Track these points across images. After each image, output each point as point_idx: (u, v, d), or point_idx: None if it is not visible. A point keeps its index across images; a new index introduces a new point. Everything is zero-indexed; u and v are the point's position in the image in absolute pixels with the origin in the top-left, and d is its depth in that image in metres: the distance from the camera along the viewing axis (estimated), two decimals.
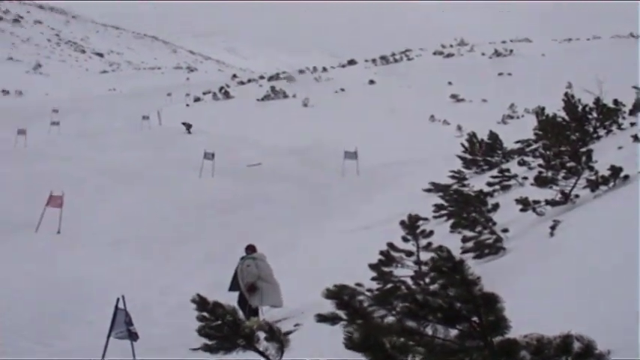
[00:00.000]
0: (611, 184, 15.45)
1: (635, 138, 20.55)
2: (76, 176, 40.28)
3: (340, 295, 5.47)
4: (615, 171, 15.39)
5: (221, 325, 4.92)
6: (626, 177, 15.31)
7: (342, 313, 5.41)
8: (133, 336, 13.30)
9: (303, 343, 7.42)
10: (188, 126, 69.53)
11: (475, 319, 4.46)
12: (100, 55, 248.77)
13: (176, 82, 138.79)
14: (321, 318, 5.72)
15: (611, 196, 14.82)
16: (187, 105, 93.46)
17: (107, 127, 72.16)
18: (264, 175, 44.84)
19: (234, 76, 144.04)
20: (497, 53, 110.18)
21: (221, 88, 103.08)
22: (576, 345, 4.65)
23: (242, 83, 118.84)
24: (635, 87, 35.76)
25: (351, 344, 4.33)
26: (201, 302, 4.93)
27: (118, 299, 13.18)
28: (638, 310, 6.70)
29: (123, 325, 13.16)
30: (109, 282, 21.36)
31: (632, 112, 31.36)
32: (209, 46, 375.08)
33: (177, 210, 33.65)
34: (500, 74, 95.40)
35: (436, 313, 4.55)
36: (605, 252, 9.85)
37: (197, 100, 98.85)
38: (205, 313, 4.94)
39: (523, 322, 4.75)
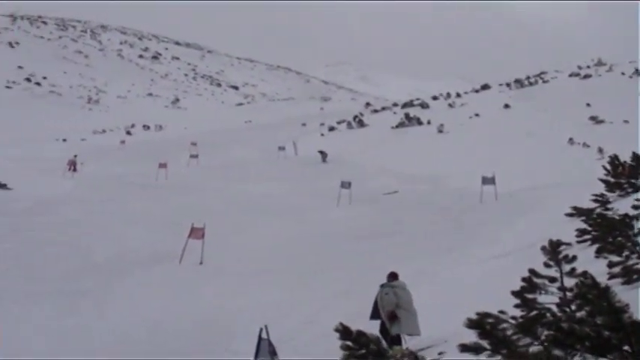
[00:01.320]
0: None
1: None
2: (215, 208, 41.33)
3: (482, 324, 5.48)
4: None
5: (365, 354, 4.97)
6: None
7: (485, 343, 5.41)
8: None
9: None
10: (324, 155, 70.18)
11: (627, 348, 4.39)
12: (235, 87, 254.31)
13: (310, 111, 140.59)
14: (464, 348, 5.73)
15: None
16: (322, 135, 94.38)
17: (244, 158, 73.61)
18: (402, 202, 44.81)
19: (368, 104, 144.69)
20: (638, 72, 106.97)
21: (355, 117, 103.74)
22: None
23: (376, 111, 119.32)
24: None
25: None
26: (344, 331, 4.99)
27: (261, 329, 13.31)
28: None
29: (267, 355, 13.27)
30: (250, 312, 21.78)
31: None
32: (342, 74, 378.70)
33: (316, 239, 33.99)
34: None
35: (584, 341, 4.51)
36: None
37: (332, 129, 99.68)
38: (349, 342, 4.99)
39: None
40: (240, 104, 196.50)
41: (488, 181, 43.27)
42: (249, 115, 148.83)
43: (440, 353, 14.71)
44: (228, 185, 53.12)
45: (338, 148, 74.33)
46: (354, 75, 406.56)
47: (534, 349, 5.74)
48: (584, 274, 10.11)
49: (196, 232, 29.94)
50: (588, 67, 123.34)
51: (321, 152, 70.86)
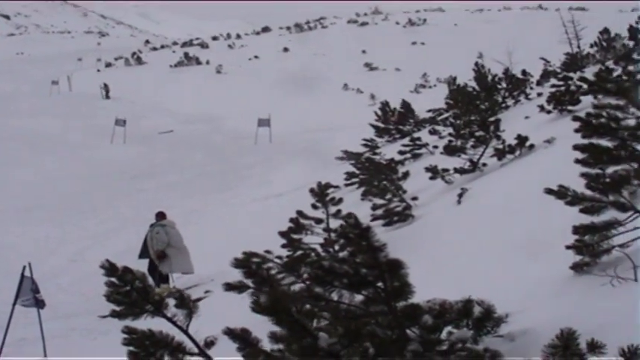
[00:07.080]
0: (517, 152, 15.84)
1: (542, 108, 21.03)
2: None
3: (247, 263, 5.53)
4: (521, 140, 15.79)
5: (130, 291, 4.88)
6: (532, 146, 15.68)
7: (249, 282, 5.48)
8: (39, 304, 13.09)
9: (212, 310, 7.48)
10: (107, 90, 68.88)
11: (380, 284, 4.55)
12: (6, 17, 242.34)
13: (87, 47, 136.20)
14: (229, 287, 5.78)
15: (517, 164, 15.21)
16: (98, 70, 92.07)
17: (15, 92, 70.51)
18: (177, 142, 44.55)
19: (147, 41, 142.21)
20: (411, 22, 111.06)
21: (133, 54, 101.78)
22: (477, 309, 4.81)
23: (155, 49, 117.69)
24: (542, 58, 36.49)
25: (258, 308, 4.37)
26: (110, 268, 4.86)
27: (24, 267, 12.93)
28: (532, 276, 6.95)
29: (29, 293, 12.94)
30: (16, 249, 20.99)
31: (539, 83, 32.12)
32: (121, 10, 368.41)
33: (87, 177, 33.22)
34: (413, 43, 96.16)
35: (342, 279, 4.63)
36: (505, 221, 10.11)
37: (108, 65, 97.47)
38: (114, 279, 4.88)
39: (427, 287, 4.87)
40: (12, 35, 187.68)
41: (263, 122, 43.70)
42: (21, 47, 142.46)
43: (206, 292, 14.85)
44: None
45: (115, 85, 72.55)
46: (134, 11, 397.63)
47: (297, 286, 5.84)
48: (349, 215, 10.42)
49: None
50: (366, 14, 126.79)
51: (105, 86, 69.49)
